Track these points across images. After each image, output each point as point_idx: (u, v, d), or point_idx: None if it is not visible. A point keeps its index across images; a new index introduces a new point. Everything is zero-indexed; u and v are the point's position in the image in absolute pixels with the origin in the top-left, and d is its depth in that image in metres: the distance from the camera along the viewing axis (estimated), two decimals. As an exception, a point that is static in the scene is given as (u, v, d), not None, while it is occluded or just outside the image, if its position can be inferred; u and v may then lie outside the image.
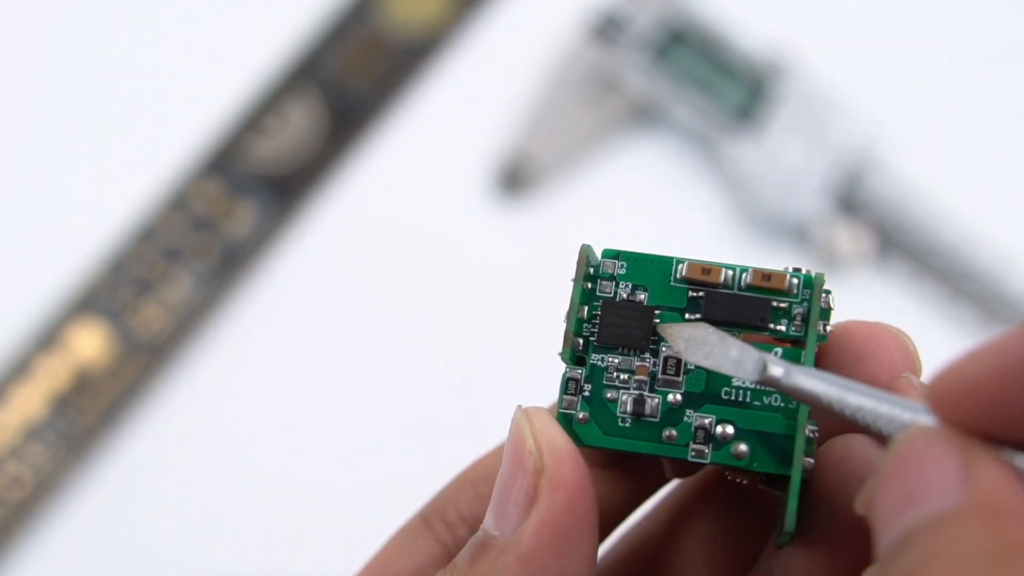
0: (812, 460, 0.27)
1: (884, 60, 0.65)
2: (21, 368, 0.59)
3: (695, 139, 0.63)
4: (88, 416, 0.58)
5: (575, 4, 0.64)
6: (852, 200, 0.61)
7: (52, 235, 0.61)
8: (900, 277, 0.61)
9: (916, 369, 0.28)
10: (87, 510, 0.58)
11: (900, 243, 0.61)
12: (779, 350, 0.27)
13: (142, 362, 0.59)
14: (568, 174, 0.62)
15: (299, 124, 0.63)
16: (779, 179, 0.61)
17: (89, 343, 0.59)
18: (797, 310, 0.27)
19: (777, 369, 0.25)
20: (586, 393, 0.27)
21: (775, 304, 0.27)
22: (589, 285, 0.28)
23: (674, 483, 0.31)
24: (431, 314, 0.61)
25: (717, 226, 0.62)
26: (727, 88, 0.62)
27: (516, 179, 0.62)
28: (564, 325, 0.28)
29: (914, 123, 0.63)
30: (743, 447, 0.27)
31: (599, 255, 0.28)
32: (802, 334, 0.27)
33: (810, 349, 0.27)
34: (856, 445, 0.27)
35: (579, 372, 0.27)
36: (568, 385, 0.27)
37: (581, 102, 0.63)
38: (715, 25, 0.63)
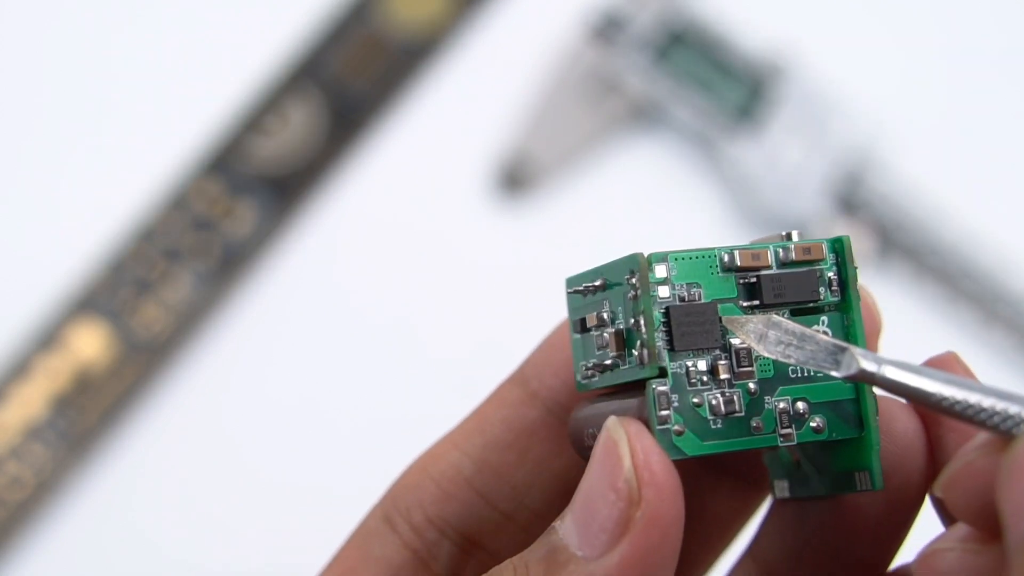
0: (878, 418, 0.27)
1: (884, 60, 0.65)
2: (21, 368, 0.59)
3: (695, 139, 0.63)
4: (88, 416, 0.58)
5: (575, 4, 0.64)
6: (852, 200, 0.61)
7: (52, 235, 0.61)
8: (900, 277, 0.61)
9: (877, 323, 0.29)
10: (87, 510, 0.58)
11: (900, 243, 0.61)
12: (824, 319, 0.28)
13: (142, 362, 0.59)
14: (568, 174, 0.62)
15: (299, 124, 0.63)
16: (779, 179, 0.61)
17: (89, 343, 0.59)
18: (830, 275, 0.28)
19: (869, 364, 0.25)
20: (675, 403, 0.26)
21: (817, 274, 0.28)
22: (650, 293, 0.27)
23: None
24: (431, 314, 0.61)
25: (717, 226, 0.62)
26: (727, 88, 0.62)
27: (516, 179, 0.62)
28: (609, 341, 0.27)
29: (914, 123, 0.63)
30: (819, 421, 0.27)
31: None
32: (839, 298, 0.28)
33: (856, 312, 0.28)
34: (888, 407, 0.28)
35: (666, 384, 0.26)
36: (660, 400, 0.26)
37: (581, 102, 0.63)
38: (715, 25, 0.63)
